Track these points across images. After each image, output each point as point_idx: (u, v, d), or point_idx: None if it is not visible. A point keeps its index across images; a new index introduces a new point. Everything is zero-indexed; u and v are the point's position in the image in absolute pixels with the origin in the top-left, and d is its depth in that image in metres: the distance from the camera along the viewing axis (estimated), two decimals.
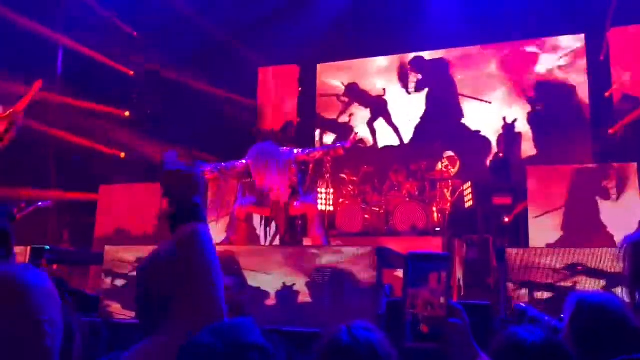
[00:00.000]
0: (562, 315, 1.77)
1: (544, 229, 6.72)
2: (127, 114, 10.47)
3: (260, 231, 7.09)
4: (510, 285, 3.72)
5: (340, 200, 8.31)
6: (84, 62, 9.56)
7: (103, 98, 9.90)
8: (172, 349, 1.06)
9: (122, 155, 10.25)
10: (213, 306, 1.23)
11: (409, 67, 10.57)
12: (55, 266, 7.42)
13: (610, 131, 8.62)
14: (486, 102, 9.92)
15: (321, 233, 5.68)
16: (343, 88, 10.88)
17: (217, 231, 6.65)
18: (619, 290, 1.12)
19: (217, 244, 6.23)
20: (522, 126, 9.67)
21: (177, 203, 1.33)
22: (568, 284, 3.46)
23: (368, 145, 10.65)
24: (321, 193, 9.01)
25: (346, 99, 10.89)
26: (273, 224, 6.34)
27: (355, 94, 10.85)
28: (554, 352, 1.45)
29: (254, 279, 4.37)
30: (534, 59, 9.82)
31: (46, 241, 8.08)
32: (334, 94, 10.96)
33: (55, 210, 9.19)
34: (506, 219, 7.64)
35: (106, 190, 9.26)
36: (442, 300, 1.10)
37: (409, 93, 10.51)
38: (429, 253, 1.15)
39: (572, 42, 9.64)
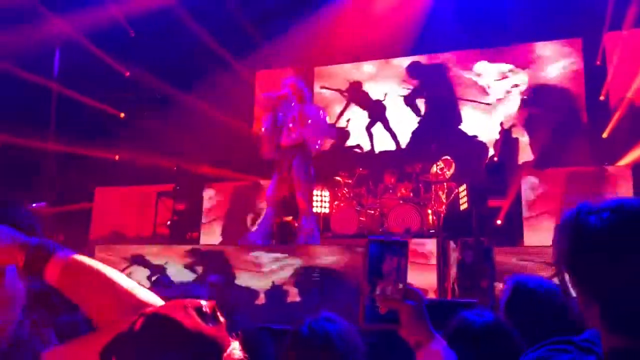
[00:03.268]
0: None
1: (538, 231, 6.72)
2: (122, 115, 10.49)
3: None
4: (498, 284, 3.71)
5: (336, 202, 8.30)
6: (82, 56, 9.54)
7: (99, 96, 9.92)
8: None
9: (117, 157, 10.27)
10: None
11: (406, 73, 10.60)
12: None
13: (604, 135, 8.63)
14: (485, 103, 9.93)
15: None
16: (347, 84, 10.93)
17: None
18: None
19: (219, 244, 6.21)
20: (519, 131, 9.67)
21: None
22: (555, 281, 3.45)
23: (365, 150, 10.67)
24: (317, 195, 9.01)
25: (347, 95, 10.93)
26: None
27: (357, 93, 10.89)
28: (499, 333, 1.47)
29: (244, 278, 4.36)
30: (531, 63, 9.84)
31: None
32: (337, 88, 11.00)
33: (51, 213, 9.20)
34: (498, 221, 7.64)
35: (102, 192, 9.30)
36: (398, 284, 1.14)
37: (406, 103, 10.52)
38: (388, 239, 1.18)
39: (569, 46, 9.65)
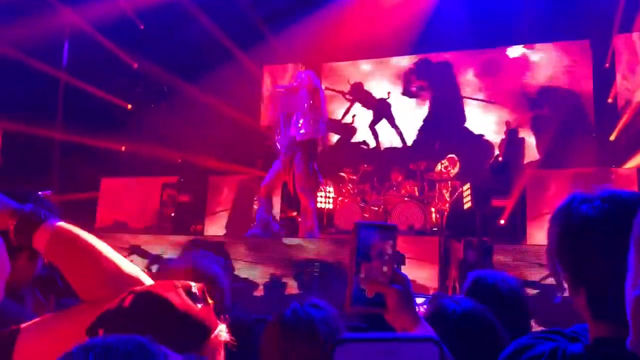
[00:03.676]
0: None
1: (542, 231, 6.69)
2: (129, 107, 10.54)
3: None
4: None
5: (340, 198, 8.30)
6: (90, 47, 9.58)
7: (106, 87, 9.98)
8: None
9: (123, 148, 10.33)
10: None
11: (413, 70, 10.56)
12: None
13: (611, 138, 8.58)
14: (489, 102, 9.89)
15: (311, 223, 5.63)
16: (349, 86, 10.90)
17: None
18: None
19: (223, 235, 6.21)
20: (526, 131, 9.62)
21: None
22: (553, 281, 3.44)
23: (370, 147, 10.65)
24: (321, 191, 9.02)
25: (350, 97, 10.90)
26: None
27: (360, 94, 10.86)
28: (477, 321, 1.47)
29: (243, 270, 4.38)
30: (539, 63, 9.78)
31: None
32: (339, 90, 10.98)
33: (56, 202, 9.23)
34: (502, 221, 7.62)
35: (108, 183, 9.34)
36: (385, 268, 1.15)
37: (411, 96, 10.49)
38: (377, 223, 1.19)
39: (577, 47, 9.59)
